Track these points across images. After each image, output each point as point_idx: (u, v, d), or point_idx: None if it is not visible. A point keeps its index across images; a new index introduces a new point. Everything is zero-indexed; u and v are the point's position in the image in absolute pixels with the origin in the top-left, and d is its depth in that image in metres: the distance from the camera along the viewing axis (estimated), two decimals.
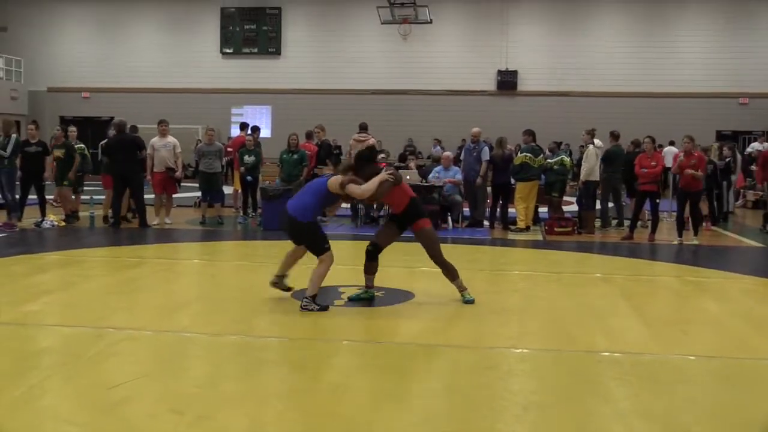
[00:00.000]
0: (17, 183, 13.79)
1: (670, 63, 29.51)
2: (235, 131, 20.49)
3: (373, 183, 7.14)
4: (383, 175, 7.17)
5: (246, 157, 14.57)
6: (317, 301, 7.16)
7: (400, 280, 8.84)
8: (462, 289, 7.71)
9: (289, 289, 7.72)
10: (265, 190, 13.91)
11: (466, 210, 14.97)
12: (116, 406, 4.48)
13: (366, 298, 7.64)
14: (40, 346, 6.04)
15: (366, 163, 7.46)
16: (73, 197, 14.55)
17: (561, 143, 16.47)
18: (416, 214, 7.41)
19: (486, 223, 14.67)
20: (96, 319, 6.75)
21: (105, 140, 14.93)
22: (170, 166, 13.96)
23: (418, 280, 9.02)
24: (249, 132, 15.82)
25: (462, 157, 15.00)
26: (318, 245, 7.34)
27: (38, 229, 13.14)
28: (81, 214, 14.54)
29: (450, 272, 7.70)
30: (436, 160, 15.67)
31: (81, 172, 14.63)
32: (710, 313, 7.63)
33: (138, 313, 7.04)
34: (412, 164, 15.57)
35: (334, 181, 7.25)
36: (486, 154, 14.44)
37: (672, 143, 22.96)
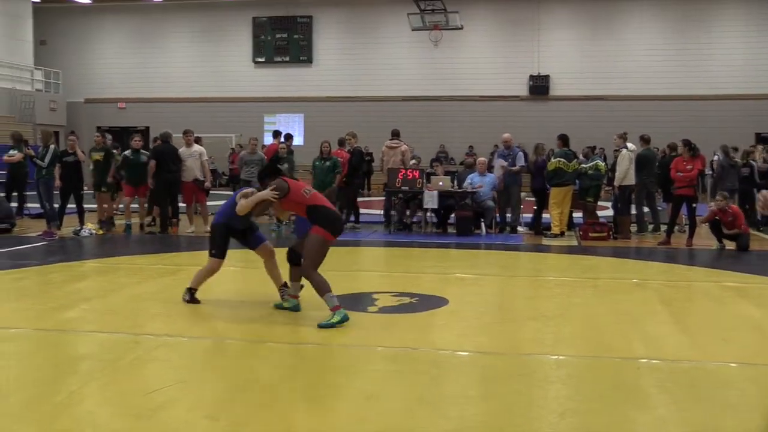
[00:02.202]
0: (56, 192, 13.99)
1: (706, 65, 29.16)
2: (268, 139, 20.61)
3: (251, 200, 7.18)
4: (265, 193, 7.07)
5: (279, 165, 14.63)
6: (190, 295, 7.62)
7: (434, 286, 8.82)
8: (293, 295, 7.43)
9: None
10: None
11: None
12: (153, 412, 4.51)
13: (290, 308, 7.40)
14: (79, 352, 6.11)
15: (269, 176, 7.31)
16: (110, 204, 14.76)
17: (595, 147, 16.34)
18: (313, 221, 7.08)
19: (521, 229, 14.58)
20: (133, 325, 6.82)
21: (151, 148, 14.98)
22: (197, 176, 14.07)
23: (452, 286, 8.99)
24: (282, 140, 15.90)
25: (494, 163, 14.94)
26: (211, 246, 7.72)
27: (77, 238, 13.32)
28: (117, 221, 14.73)
29: (304, 279, 7.19)
30: (469, 166, 15.62)
31: (118, 178, 14.77)
32: (752, 319, 7.50)
33: (174, 319, 7.10)
34: (439, 170, 15.51)
35: (241, 193, 7.43)
36: (521, 160, 14.46)
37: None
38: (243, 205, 7.20)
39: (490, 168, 15.13)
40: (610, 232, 13.73)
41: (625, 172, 13.86)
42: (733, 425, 4.52)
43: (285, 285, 7.68)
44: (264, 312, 7.45)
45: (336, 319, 6.73)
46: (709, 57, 29.23)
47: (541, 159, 14.43)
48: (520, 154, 14.62)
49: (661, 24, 30.10)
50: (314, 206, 7.07)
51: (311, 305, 7.62)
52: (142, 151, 14.34)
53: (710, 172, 22.09)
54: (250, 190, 7.48)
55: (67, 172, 13.83)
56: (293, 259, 7.31)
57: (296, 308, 7.39)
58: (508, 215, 14.72)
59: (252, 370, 5.58)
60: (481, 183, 14.33)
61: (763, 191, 3.92)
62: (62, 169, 13.81)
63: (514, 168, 14.38)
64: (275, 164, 7.97)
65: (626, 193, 14.06)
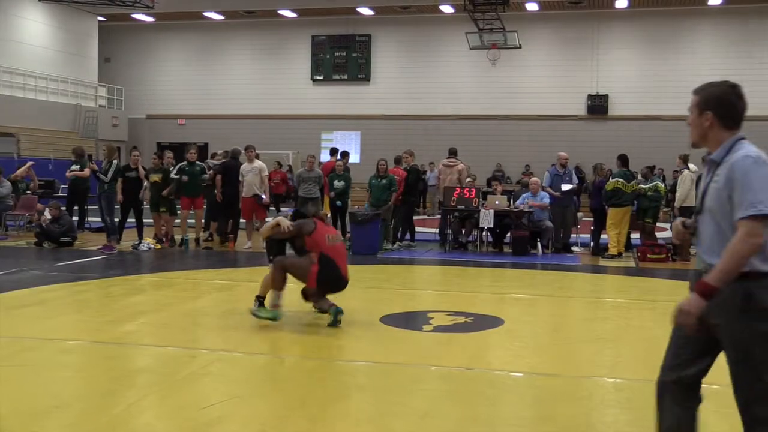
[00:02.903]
0: (116, 207, 14.25)
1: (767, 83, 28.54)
2: (325, 156, 20.75)
3: (269, 225, 7.76)
4: (283, 221, 7.49)
5: (336, 182, 14.72)
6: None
7: (490, 306, 8.76)
8: (323, 310, 7.50)
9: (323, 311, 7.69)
10: (355, 215, 14.01)
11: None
12: (208, 426, 4.55)
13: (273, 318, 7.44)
14: (137, 365, 6.21)
15: (300, 216, 7.80)
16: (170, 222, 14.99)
17: (654, 167, 16.08)
18: (319, 264, 7.28)
19: (577, 249, 14.41)
20: (189, 340, 6.90)
21: (219, 164, 15.15)
22: (257, 192, 14.20)
23: (508, 306, 8.91)
24: (339, 157, 16.00)
25: (549, 183, 14.74)
26: (268, 253, 8.47)
27: (135, 252, 13.56)
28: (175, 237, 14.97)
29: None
30: (526, 186, 15.51)
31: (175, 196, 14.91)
32: None
33: (230, 334, 7.16)
34: (498, 188, 15.43)
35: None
36: (575, 179, 14.43)
37: None
38: (263, 229, 7.83)
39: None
40: (669, 254, 13.49)
41: (687, 193, 13.61)
42: None
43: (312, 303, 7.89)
44: (319, 328, 7.47)
45: (268, 314, 7.26)
46: None
47: (599, 179, 14.27)
48: (573, 173, 14.58)
49: (723, 42, 29.58)
50: (327, 258, 7.30)
51: (365, 325, 7.64)
52: (198, 162, 14.54)
53: None
54: (280, 218, 7.71)
55: (129, 187, 14.08)
56: (306, 296, 7.64)
57: (333, 323, 7.39)
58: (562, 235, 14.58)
59: (307, 386, 5.59)
60: (533, 202, 14.22)
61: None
62: (124, 183, 14.08)
63: (572, 187, 14.29)
64: (308, 211, 8.07)
65: (687, 215, 13.79)
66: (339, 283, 7.47)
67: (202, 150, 18.70)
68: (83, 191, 16.74)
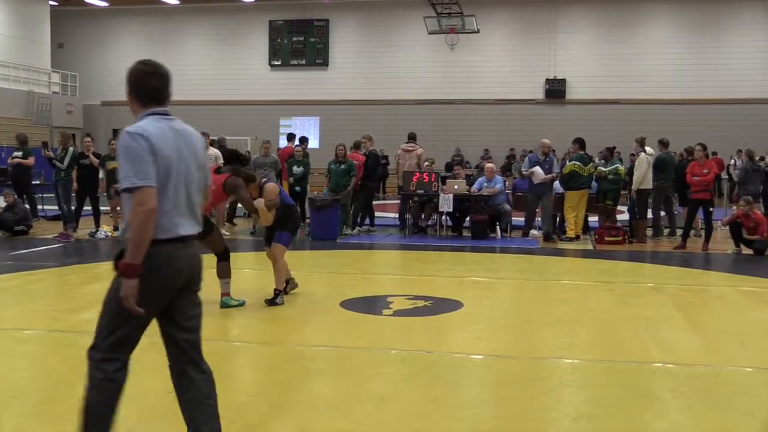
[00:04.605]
0: (72, 195, 14.05)
1: (724, 69, 28.99)
2: (284, 142, 20.63)
3: (262, 210, 7.94)
4: (260, 203, 7.79)
5: (294, 168, 14.67)
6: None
7: (449, 289, 8.81)
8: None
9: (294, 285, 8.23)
10: (314, 200, 13.98)
11: (518, 220, 14.86)
12: (168, 413, 4.52)
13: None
14: None
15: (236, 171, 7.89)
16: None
17: (614, 149, 16.20)
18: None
19: (534, 232, 14.52)
20: (148, 327, 6.83)
21: None
22: None
23: (467, 289, 8.97)
24: (297, 143, 15.93)
25: (524, 169, 14.57)
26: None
27: (93, 240, 13.39)
28: None
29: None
30: (483, 170, 15.58)
31: None
32: None
33: None
34: (460, 173, 15.50)
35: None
36: (557, 167, 14.31)
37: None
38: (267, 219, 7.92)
39: (505, 173, 15.03)
40: (626, 236, 13.67)
41: (643, 176, 13.79)
42: (749, 431, 4.49)
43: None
44: (276, 314, 7.46)
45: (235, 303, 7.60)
46: (727, 60, 29.06)
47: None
48: (556, 161, 14.42)
49: (678, 27, 29.97)
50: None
51: (325, 310, 7.65)
52: None
53: (727, 177, 22.02)
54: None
55: (84, 174, 13.89)
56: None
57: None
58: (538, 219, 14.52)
59: (266, 372, 5.59)
60: (492, 188, 14.25)
61: None
62: (78, 171, 13.88)
63: (551, 176, 13.98)
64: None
65: (643, 197, 13.99)
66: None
67: None
68: (25, 179, 16.33)
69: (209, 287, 8.30)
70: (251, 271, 10.10)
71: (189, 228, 3.53)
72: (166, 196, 3.37)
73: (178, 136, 3.51)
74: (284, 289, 7.95)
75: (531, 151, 14.65)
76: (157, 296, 3.51)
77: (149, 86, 3.57)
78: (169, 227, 3.41)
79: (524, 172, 14.43)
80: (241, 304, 7.63)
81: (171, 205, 3.41)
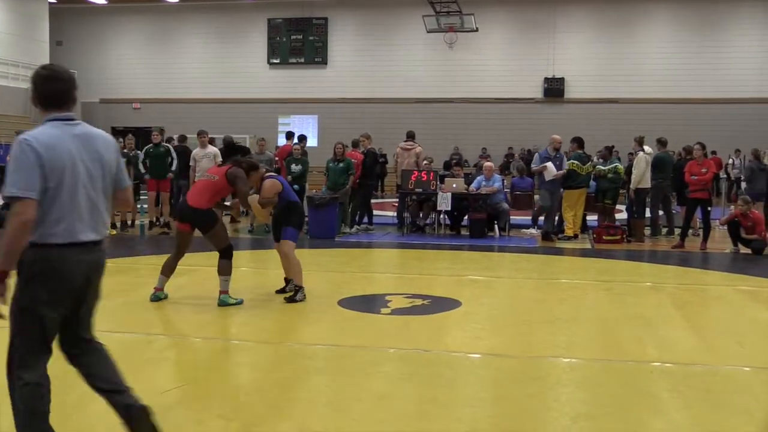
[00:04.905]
0: None
1: (722, 68, 29.01)
2: (282, 140, 20.63)
3: (255, 207, 8.11)
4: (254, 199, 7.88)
5: (293, 166, 14.65)
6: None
7: (447, 288, 8.81)
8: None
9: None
10: (312, 198, 13.97)
11: (516, 219, 14.85)
12: (166, 412, 4.52)
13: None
14: None
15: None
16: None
17: (612, 147, 16.17)
18: None
19: (533, 231, 14.51)
20: (146, 325, 6.84)
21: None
22: None
23: (465, 288, 8.97)
24: (296, 141, 15.91)
25: (534, 165, 14.31)
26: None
27: None
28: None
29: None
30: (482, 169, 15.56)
31: (136, 182, 14.80)
32: (766, 324, 7.45)
33: (186, 319, 7.11)
34: (459, 173, 15.48)
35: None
36: (535, 162, 14.23)
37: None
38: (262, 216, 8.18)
39: (503, 171, 14.98)
40: (624, 236, 13.67)
41: (641, 175, 13.80)
42: (747, 430, 4.49)
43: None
44: (276, 313, 7.46)
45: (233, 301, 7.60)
46: (726, 60, 29.07)
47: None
48: (564, 157, 14.11)
49: (677, 27, 29.97)
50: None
51: (323, 309, 7.65)
52: (163, 144, 14.46)
53: (725, 176, 22.03)
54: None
55: None
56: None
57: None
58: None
59: (265, 371, 5.58)
60: (491, 186, 14.23)
61: None
62: None
63: (562, 172, 13.79)
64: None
65: (641, 197, 14.01)
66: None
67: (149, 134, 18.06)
68: None
69: (208, 284, 8.31)
70: (249, 270, 10.09)
71: (90, 233, 3.63)
72: (59, 203, 3.47)
73: (78, 142, 3.57)
74: (285, 288, 7.97)
75: (529, 150, 14.56)
76: (51, 300, 3.58)
77: (47, 91, 3.62)
78: (63, 233, 3.51)
79: (535, 168, 14.28)
80: (239, 303, 7.62)
81: (67, 211, 3.50)
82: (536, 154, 14.65)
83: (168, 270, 7.89)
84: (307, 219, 14.15)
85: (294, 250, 7.90)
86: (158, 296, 7.79)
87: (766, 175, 14.83)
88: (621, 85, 29.67)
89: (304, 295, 7.78)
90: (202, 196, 7.61)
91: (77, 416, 4.49)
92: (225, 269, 7.60)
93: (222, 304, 7.54)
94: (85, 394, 4.86)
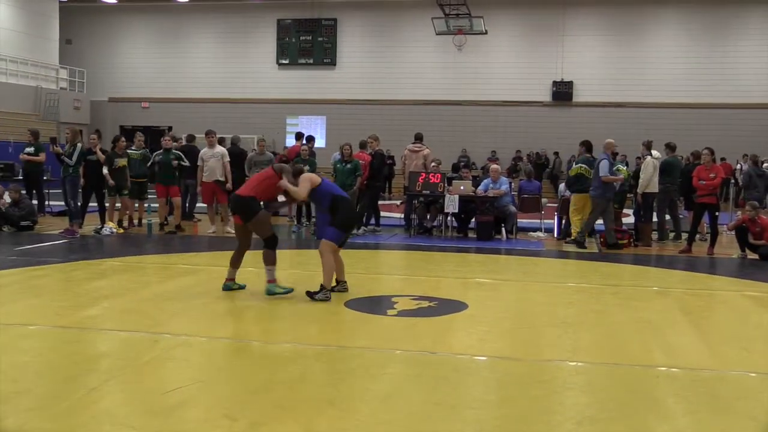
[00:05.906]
0: (79, 191, 14.07)
1: (732, 73, 28.94)
2: (291, 141, 20.66)
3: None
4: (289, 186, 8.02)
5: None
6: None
7: (454, 290, 8.81)
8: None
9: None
10: None
11: (522, 222, 14.82)
12: (171, 411, 4.53)
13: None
14: (99, 350, 6.15)
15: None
16: (136, 206, 14.91)
17: (617, 153, 16.15)
18: None
19: (540, 234, 14.50)
20: (152, 324, 6.85)
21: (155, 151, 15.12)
22: (218, 177, 14.06)
23: (472, 290, 8.96)
24: (304, 142, 15.94)
25: (607, 170, 13.78)
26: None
27: (98, 236, 13.41)
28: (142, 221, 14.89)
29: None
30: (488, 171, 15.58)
31: (145, 180, 14.86)
32: None
33: (193, 319, 7.13)
34: (467, 176, 15.48)
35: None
36: (604, 169, 13.06)
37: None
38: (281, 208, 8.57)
39: (511, 174, 14.96)
40: (631, 240, 13.64)
41: (649, 180, 13.78)
42: None
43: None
44: (280, 313, 7.47)
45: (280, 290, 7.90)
46: (735, 65, 29.00)
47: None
48: (604, 162, 13.10)
49: (687, 31, 29.91)
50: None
51: (329, 309, 7.65)
52: (173, 150, 14.43)
53: (734, 181, 21.96)
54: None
55: (90, 170, 13.92)
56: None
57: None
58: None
59: (271, 371, 5.59)
60: (498, 189, 14.24)
61: None
62: (85, 167, 13.91)
63: (621, 177, 13.42)
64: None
65: (649, 201, 13.98)
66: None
67: (159, 135, 18.14)
68: (37, 175, 16.46)
69: (214, 284, 8.33)
70: (254, 270, 10.10)
71: None
72: None
73: None
74: (332, 288, 8.04)
75: (537, 153, 14.53)
76: None
77: None
78: None
79: (610, 178, 13.11)
80: (288, 292, 7.89)
81: None
82: (603, 161, 13.12)
83: (235, 262, 8.22)
84: (314, 220, 14.18)
85: (331, 250, 7.92)
86: (229, 286, 8.18)
87: (764, 181, 14.79)
88: (629, 90, 29.63)
89: (327, 297, 7.80)
90: (248, 185, 7.95)
91: (84, 413, 4.50)
92: (269, 258, 7.79)
93: (269, 293, 7.77)
94: (92, 391, 4.89)
